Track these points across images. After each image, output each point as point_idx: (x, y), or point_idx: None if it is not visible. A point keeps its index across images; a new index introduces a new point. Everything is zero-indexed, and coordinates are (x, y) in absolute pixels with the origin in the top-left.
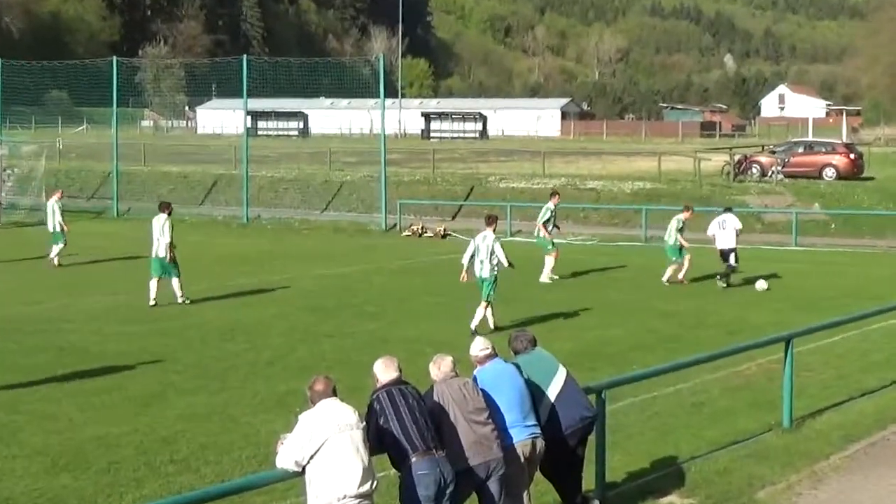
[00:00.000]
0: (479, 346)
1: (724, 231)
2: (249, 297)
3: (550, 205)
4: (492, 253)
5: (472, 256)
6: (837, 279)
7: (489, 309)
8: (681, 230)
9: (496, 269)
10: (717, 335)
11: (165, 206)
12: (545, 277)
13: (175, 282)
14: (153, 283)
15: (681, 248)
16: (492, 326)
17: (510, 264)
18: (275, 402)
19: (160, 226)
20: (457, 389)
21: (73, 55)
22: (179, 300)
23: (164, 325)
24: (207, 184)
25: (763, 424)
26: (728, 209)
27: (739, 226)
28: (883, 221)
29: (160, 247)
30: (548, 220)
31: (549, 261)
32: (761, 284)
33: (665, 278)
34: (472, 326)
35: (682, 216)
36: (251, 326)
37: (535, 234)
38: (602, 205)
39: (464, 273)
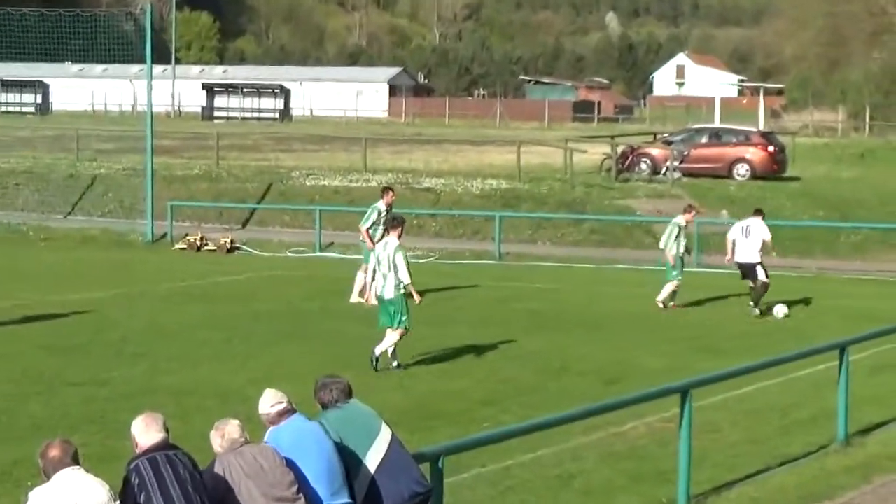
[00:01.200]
0: (271, 401)
1: (746, 239)
2: None
3: (381, 205)
4: (393, 266)
5: (375, 271)
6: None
7: (392, 338)
8: (678, 237)
9: (402, 286)
10: (592, 385)
11: None
12: (355, 297)
13: None
14: None
15: (681, 260)
16: (378, 358)
17: (410, 286)
18: None
19: None
20: (251, 460)
21: None
22: None
23: None
24: None
25: (652, 502)
26: (758, 211)
27: (768, 236)
28: (811, 235)
29: None
30: (374, 223)
31: (361, 277)
32: (781, 310)
33: (660, 299)
34: (395, 363)
35: (683, 219)
36: None
37: (361, 241)
38: (443, 210)
39: (368, 294)
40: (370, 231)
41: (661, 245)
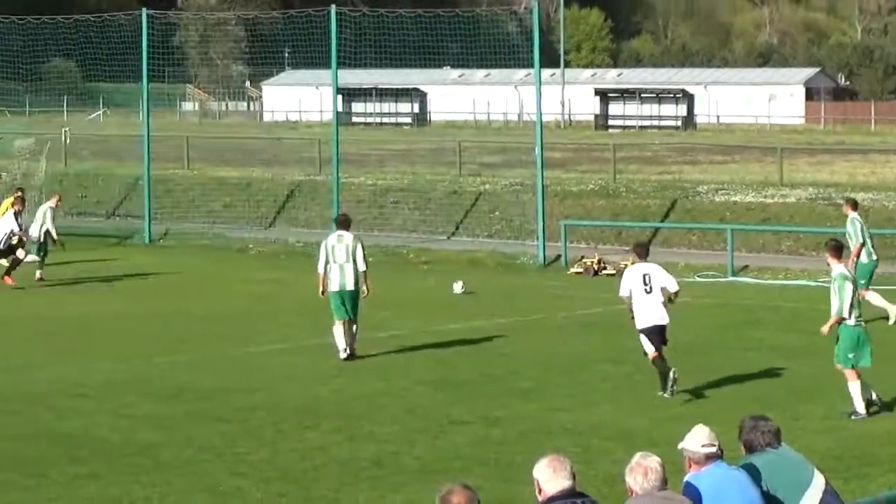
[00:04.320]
0: (702, 439)
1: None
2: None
3: (854, 214)
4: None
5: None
6: None
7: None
8: None
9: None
10: None
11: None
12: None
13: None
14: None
15: None
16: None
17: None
18: None
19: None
20: None
21: (85, 7)
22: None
23: (216, 405)
24: (280, 195)
25: None
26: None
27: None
28: None
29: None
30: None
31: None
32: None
33: None
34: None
35: None
36: (348, 407)
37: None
38: (875, 230)
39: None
40: None
41: None
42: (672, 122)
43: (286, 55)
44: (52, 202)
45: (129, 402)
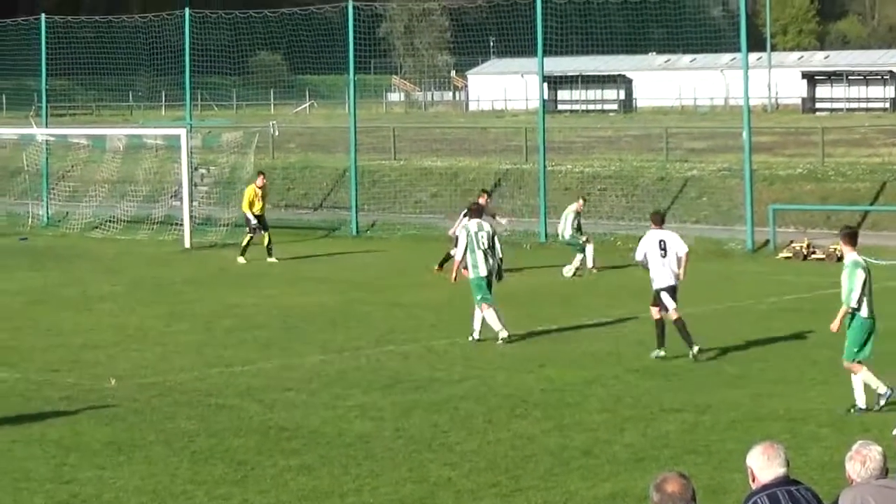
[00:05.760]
0: None
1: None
2: (556, 343)
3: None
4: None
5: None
6: None
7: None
8: None
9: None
10: None
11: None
12: None
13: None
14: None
15: None
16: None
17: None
18: None
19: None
20: (888, 498)
21: (292, 0)
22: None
23: (425, 395)
24: (487, 184)
25: None
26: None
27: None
28: None
29: None
30: None
31: None
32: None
33: None
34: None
35: None
36: (557, 396)
37: None
38: None
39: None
40: None
41: None
42: (880, 105)
43: (491, 44)
44: (576, 205)
45: (340, 393)
